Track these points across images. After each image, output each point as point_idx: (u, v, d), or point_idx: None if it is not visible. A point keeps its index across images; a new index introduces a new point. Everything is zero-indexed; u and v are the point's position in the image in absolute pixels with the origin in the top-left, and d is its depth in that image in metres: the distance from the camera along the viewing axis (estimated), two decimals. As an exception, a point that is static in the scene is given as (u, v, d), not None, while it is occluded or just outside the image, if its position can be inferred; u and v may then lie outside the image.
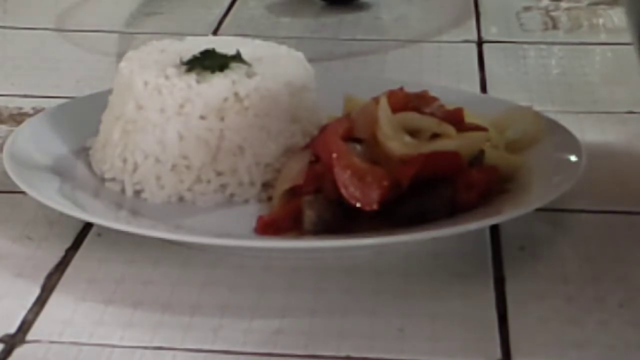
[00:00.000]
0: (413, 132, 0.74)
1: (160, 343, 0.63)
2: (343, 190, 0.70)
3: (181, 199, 0.76)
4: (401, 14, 1.20)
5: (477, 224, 0.69)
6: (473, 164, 0.73)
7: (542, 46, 1.07)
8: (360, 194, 0.70)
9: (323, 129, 0.76)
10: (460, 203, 0.71)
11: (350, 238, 0.69)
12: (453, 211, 0.71)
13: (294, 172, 0.74)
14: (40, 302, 0.67)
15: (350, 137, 0.74)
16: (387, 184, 0.70)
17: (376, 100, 0.75)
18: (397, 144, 0.72)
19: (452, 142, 0.73)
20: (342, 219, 0.71)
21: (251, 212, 0.74)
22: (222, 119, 0.76)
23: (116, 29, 1.15)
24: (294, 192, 0.73)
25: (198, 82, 0.76)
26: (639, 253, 0.72)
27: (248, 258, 0.71)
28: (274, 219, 0.72)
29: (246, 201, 0.76)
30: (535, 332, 0.64)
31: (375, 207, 0.70)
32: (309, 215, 0.71)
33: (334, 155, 0.71)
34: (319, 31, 1.14)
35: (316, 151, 0.74)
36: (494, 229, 0.73)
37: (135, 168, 0.77)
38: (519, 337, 0.63)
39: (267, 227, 0.72)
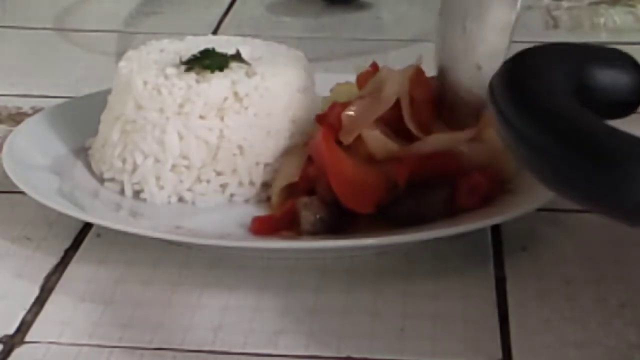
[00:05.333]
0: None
1: (160, 343, 0.63)
2: (340, 197, 0.70)
3: (181, 199, 0.76)
4: (401, 13, 1.20)
5: (478, 224, 0.69)
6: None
7: (543, 46, 1.07)
8: (356, 199, 0.70)
9: (322, 124, 0.76)
10: (463, 206, 0.71)
11: (351, 238, 0.69)
12: (453, 213, 0.71)
13: (291, 169, 0.74)
14: (39, 303, 0.67)
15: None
16: (383, 189, 0.70)
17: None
18: (381, 146, 0.72)
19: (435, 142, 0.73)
20: (340, 219, 0.71)
21: (251, 212, 0.74)
22: (221, 118, 0.76)
23: (115, 28, 1.15)
24: (291, 190, 0.73)
25: (198, 81, 0.76)
26: (641, 253, 0.72)
27: (248, 258, 0.71)
28: (270, 219, 0.72)
29: (246, 201, 0.76)
30: (537, 333, 0.63)
31: (371, 211, 0.70)
32: (306, 216, 0.71)
33: (328, 161, 0.71)
34: (319, 31, 1.14)
35: (311, 153, 0.74)
36: (495, 229, 0.73)
37: (135, 168, 0.77)
38: (520, 337, 0.63)
39: (263, 227, 0.72)
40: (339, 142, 0.73)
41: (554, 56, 0.55)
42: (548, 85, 0.52)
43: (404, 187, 0.71)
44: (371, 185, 0.71)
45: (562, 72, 0.53)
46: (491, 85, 0.54)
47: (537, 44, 0.56)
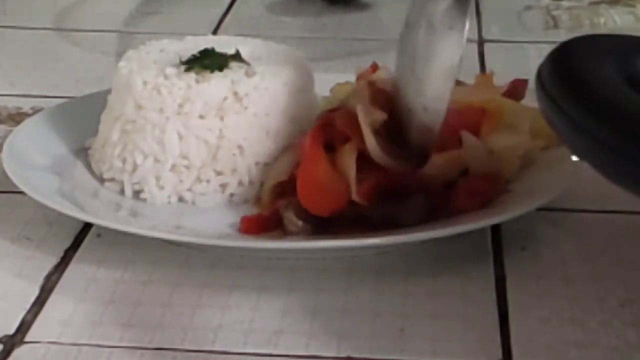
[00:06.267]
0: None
1: (160, 343, 0.63)
2: (298, 192, 0.70)
3: (181, 199, 0.76)
4: (401, 13, 1.19)
5: (478, 224, 0.69)
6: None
7: (544, 45, 1.06)
8: (313, 200, 0.70)
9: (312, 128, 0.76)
10: (461, 210, 0.71)
11: (351, 238, 0.69)
12: (432, 218, 0.71)
13: (281, 168, 0.74)
14: (39, 303, 0.66)
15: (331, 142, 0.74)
16: (345, 200, 0.70)
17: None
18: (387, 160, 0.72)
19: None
20: (322, 219, 0.71)
21: (251, 212, 0.74)
22: (221, 118, 0.76)
23: (115, 28, 1.15)
24: (281, 189, 0.73)
25: (197, 81, 0.76)
26: (641, 253, 0.72)
27: (248, 258, 0.71)
28: (258, 219, 0.72)
29: (246, 201, 0.76)
30: (537, 333, 0.63)
31: (324, 215, 0.70)
32: (288, 217, 0.71)
33: (304, 159, 0.71)
34: (319, 31, 1.14)
35: (298, 150, 0.74)
36: (495, 229, 0.73)
37: (135, 168, 0.77)
38: (520, 337, 0.63)
39: (251, 227, 0.72)
40: (331, 146, 0.73)
41: (602, 46, 0.54)
42: (601, 74, 0.51)
43: (380, 193, 0.71)
44: (333, 193, 0.71)
45: (611, 61, 0.53)
46: (540, 75, 0.53)
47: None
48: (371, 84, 0.76)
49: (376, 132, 0.72)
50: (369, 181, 0.70)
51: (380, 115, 0.72)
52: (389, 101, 0.74)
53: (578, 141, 0.51)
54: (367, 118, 0.72)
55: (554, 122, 0.52)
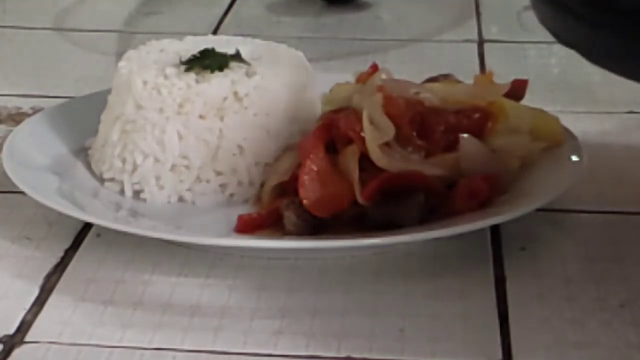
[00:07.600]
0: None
1: (160, 343, 0.63)
2: (300, 192, 0.70)
3: (181, 199, 0.76)
4: (401, 13, 1.20)
5: (478, 224, 0.69)
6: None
7: (543, 45, 1.07)
8: (316, 202, 0.70)
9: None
10: (460, 211, 0.71)
11: (351, 238, 0.69)
12: (428, 218, 0.71)
13: (283, 168, 0.74)
14: (39, 303, 0.67)
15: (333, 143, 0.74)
16: (346, 201, 0.70)
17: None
18: (384, 159, 0.72)
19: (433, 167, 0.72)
20: (322, 219, 0.71)
21: (250, 212, 0.74)
22: (221, 118, 0.76)
23: (115, 28, 1.15)
24: (282, 189, 0.73)
25: (197, 81, 0.76)
26: (640, 253, 0.72)
27: (248, 258, 0.71)
28: (254, 218, 0.72)
29: (246, 201, 0.76)
30: (536, 333, 0.63)
31: (326, 216, 0.70)
32: (288, 217, 0.71)
33: (306, 158, 0.71)
34: (319, 31, 1.14)
35: (298, 150, 0.74)
36: (495, 229, 0.73)
37: (135, 168, 0.77)
38: (520, 337, 0.63)
39: (246, 226, 0.72)
40: (333, 148, 0.73)
41: None
42: None
43: (380, 193, 0.71)
44: (335, 194, 0.71)
45: None
46: None
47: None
48: (379, 88, 0.75)
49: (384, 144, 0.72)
50: (372, 183, 0.70)
51: (389, 133, 0.72)
52: (404, 106, 0.74)
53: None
54: (375, 134, 0.72)
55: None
